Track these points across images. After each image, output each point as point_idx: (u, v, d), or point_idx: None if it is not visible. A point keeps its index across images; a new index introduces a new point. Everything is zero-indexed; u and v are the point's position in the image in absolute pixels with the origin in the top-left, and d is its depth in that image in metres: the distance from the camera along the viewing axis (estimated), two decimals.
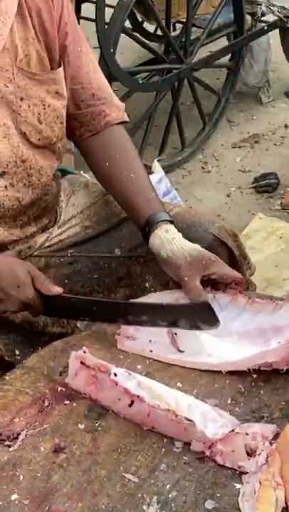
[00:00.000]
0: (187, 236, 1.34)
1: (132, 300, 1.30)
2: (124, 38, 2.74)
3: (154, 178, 2.73)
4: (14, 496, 0.93)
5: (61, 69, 1.31)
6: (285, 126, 3.63)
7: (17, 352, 1.36)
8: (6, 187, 1.28)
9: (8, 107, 1.24)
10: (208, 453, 0.96)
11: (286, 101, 3.98)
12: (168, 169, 2.98)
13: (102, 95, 1.39)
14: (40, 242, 1.42)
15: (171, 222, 1.30)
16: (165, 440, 1.00)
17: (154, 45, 3.21)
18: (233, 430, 0.96)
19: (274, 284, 2.34)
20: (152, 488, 0.94)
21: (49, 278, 1.37)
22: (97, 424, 1.04)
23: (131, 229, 1.41)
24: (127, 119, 1.44)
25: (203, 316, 1.15)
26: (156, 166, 2.79)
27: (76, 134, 1.42)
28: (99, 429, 1.03)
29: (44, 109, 1.28)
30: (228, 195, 3.01)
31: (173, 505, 0.92)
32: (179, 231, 1.33)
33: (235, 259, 1.43)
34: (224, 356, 1.14)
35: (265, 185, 2.98)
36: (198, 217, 1.42)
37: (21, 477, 0.96)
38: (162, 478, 0.95)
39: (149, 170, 2.82)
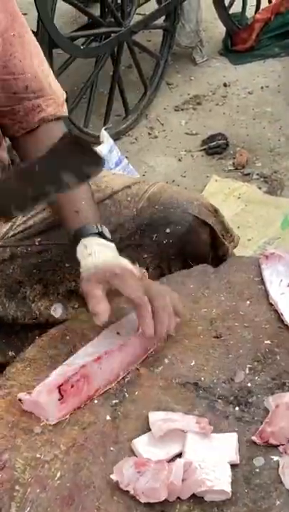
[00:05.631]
0: (166, 218, 1.27)
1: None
2: None
3: (104, 148, 2.64)
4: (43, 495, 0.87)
5: None
6: (224, 85, 3.59)
7: None
8: None
9: None
10: (259, 441, 0.92)
11: (220, 60, 3.93)
12: (114, 137, 2.89)
13: (37, 87, 1.23)
14: (2, 232, 1.30)
15: (99, 233, 1.14)
16: None
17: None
18: (277, 406, 0.92)
19: (240, 245, 2.32)
20: None
21: (16, 268, 1.29)
22: (115, 411, 0.98)
23: (104, 213, 1.28)
24: (65, 113, 1.30)
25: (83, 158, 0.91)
26: (105, 136, 2.70)
27: (10, 131, 1.28)
28: (119, 414, 0.98)
29: None
30: (179, 160, 2.95)
31: None
32: (156, 213, 1.27)
33: (217, 235, 1.37)
34: None
35: (214, 147, 2.94)
36: (175, 197, 1.32)
37: (46, 478, 0.89)
38: None
39: (97, 140, 2.73)
